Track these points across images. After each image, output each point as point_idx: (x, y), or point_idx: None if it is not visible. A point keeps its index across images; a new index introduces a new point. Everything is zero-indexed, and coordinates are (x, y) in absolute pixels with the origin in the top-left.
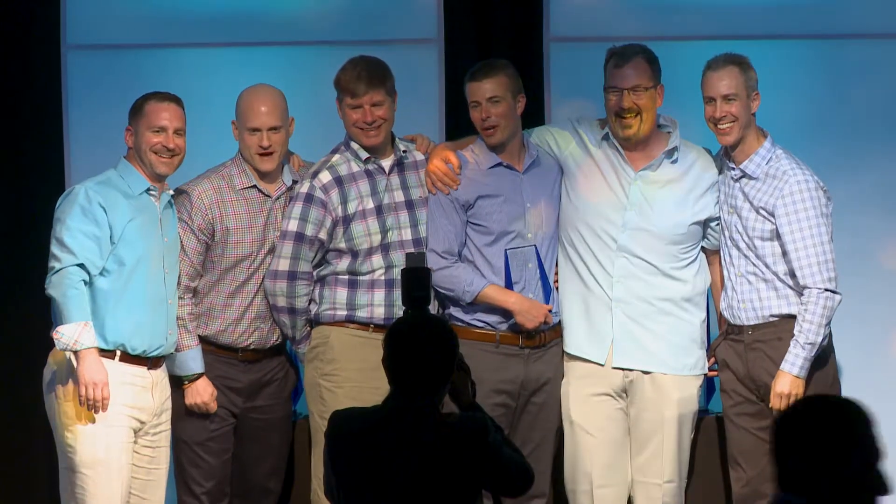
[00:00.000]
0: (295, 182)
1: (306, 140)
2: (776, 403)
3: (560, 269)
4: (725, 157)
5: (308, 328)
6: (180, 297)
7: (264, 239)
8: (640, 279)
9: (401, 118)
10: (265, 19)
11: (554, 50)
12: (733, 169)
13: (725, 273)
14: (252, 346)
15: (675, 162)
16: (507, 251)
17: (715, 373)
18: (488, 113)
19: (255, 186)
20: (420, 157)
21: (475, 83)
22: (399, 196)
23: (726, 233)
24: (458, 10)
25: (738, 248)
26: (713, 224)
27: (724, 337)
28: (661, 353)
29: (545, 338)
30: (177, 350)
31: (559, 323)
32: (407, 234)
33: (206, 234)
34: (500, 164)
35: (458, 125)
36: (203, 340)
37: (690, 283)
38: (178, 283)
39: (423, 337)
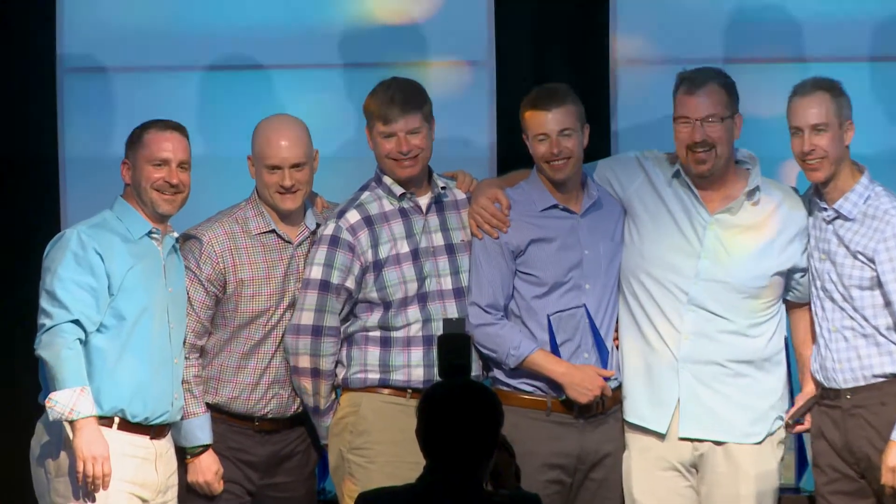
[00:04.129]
0: (319, 226)
1: (343, 176)
2: (889, 479)
3: (621, 326)
4: (816, 197)
5: (333, 396)
6: (185, 357)
7: (284, 291)
8: (711, 338)
9: (447, 148)
10: (293, 39)
11: (622, 74)
12: (825, 209)
13: (817, 329)
14: (270, 415)
15: (756, 204)
16: (550, 317)
17: (803, 427)
18: (559, 147)
19: (273, 231)
20: (461, 195)
21: (542, 112)
22: (438, 239)
23: (818, 283)
24: (511, 30)
25: (833, 300)
26: (798, 275)
27: (816, 402)
28: (735, 420)
29: (604, 404)
30: (181, 418)
31: (620, 387)
32: (447, 283)
33: (217, 285)
34: (555, 206)
35: (511, 156)
36: (213, 408)
37: (770, 341)
38: (184, 341)
39: (462, 403)
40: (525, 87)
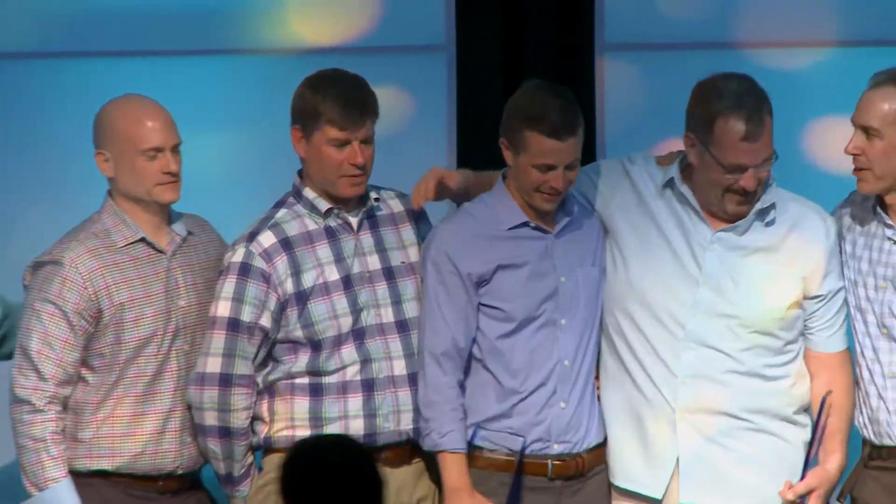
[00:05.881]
0: (191, 233)
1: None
2: None
3: (603, 370)
4: (880, 209)
5: (251, 459)
6: (39, 411)
7: (168, 311)
8: (716, 381)
9: (397, 150)
10: (213, 21)
11: (609, 62)
12: (890, 227)
13: (864, 374)
14: (180, 471)
15: (770, 224)
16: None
17: None
18: (565, 181)
19: (143, 240)
20: (398, 206)
21: (556, 143)
22: (374, 262)
23: (869, 317)
24: (475, 11)
25: (893, 338)
26: (818, 309)
27: (863, 465)
28: (751, 480)
29: (584, 464)
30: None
31: (603, 444)
32: (388, 315)
33: (88, 317)
34: (525, 224)
35: (474, 158)
36: (114, 475)
37: (797, 386)
38: (39, 390)
39: (330, 468)
40: (492, 76)
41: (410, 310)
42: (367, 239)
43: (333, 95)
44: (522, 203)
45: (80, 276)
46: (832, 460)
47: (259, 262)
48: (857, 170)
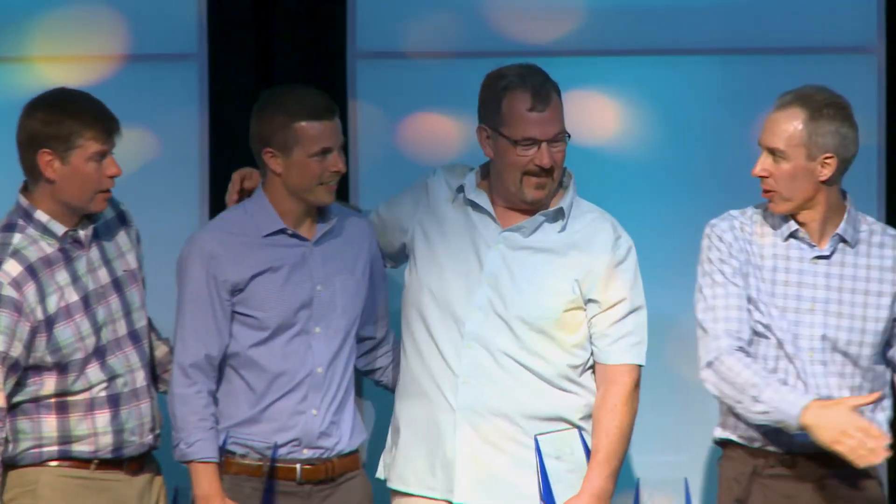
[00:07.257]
0: None
1: None
2: None
3: (401, 369)
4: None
5: None
6: None
7: None
8: (496, 382)
9: (151, 163)
10: None
11: (362, 69)
12: (814, 246)
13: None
14: None
15: (562, 230)
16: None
17: None
18: (343, 161)
19: None
20: (109, 212)
21: (327, 122)
22: (104, 276)
23: (803, 342)
24: (226, 20)
25: (821, 362)
26: (595, 315)
27: (754, 473)
28: (526, 487)
29: (334, 468)
30: None
31: (357, 451)
32: (121, 328)
33: None
34: (283, 231)
35: (224, 160)
36: None
37: (579, 394)
38: None
39: None
40: (244, 85)
41: (139, 319)
42: (94, 252)
43: (90, 113)
44: (282, 210)
45: None
46: (585, 484)
47: (9, 292)
48: (765, 192)
